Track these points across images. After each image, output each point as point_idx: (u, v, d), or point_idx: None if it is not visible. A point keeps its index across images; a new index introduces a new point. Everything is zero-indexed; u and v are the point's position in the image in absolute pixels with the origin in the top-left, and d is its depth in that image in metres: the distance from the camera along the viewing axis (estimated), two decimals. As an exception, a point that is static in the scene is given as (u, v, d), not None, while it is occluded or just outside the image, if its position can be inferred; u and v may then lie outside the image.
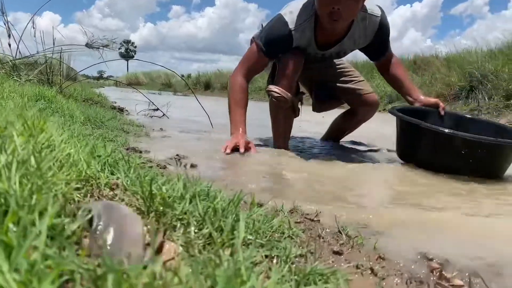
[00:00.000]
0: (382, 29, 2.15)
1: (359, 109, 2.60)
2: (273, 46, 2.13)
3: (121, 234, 0.40)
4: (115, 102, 5.28)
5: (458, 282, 0.65)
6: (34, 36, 3.71)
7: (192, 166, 1.53)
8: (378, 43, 2.23)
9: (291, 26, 2.08)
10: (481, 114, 6.73)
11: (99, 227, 0.40)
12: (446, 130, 1.79)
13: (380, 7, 2.16)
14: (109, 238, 0.38)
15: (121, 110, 4.28)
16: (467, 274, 0.69)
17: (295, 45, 2.12)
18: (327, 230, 0.87)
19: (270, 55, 2.17)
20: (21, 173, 0.46)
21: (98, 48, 3.81)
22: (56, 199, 0.42)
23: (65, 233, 0.37)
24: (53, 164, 0.51)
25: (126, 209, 0.48)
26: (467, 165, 1.76)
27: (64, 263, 0.29)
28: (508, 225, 1.10)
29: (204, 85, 18.07)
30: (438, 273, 0.66)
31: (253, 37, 2.28)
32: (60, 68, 3.96)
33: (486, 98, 7.06)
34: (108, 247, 0.40)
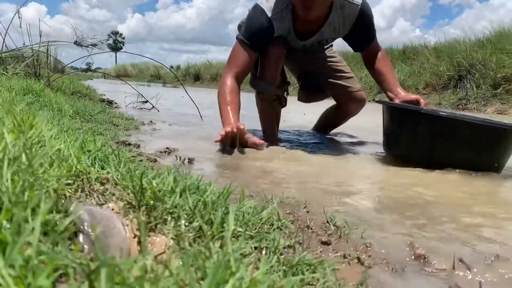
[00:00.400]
0: (362, 18, 2.09)
1: (346, 105, 2.59)
2: (256, 37, 2.05)
3: (105, 232, 0.41)
4: (104, 95, 5.25)
5: (441, 266, 0.67)
6: (20, 27, 3.67)
7: (190, 161, 1.53)
8: (359, 33, 2.16)
9: (269, 13, 2.02)
10: (469, 103, 6.81)
11: (85, 224, 0.41)
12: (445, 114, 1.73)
13: None
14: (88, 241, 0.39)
15: (110, 103, 4.26)
16: (451, 260, 0.71)
17: (277, 34, 2.06)
18: (315, 221, 0.88)
19: (256, 48, 2.08)
20: (13, 170, 0.46)
21: (87, 46, 3.80)
22: (49, 196, 0.43)
23: (58, 228, 0.38)
24: (44, 160, 0.52)
25: (106, 210, 0.49)
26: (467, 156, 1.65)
27: (58, 258, 0.30)
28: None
29: (194, 76, 18.00)
30: (422, 260, 0.68)
31: (236, 36, 2.20)
32: (47, 61, 3.92)
33: (474, 87, 7.13)
34: (95, 244, 0.41)
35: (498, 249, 0.81)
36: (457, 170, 1.64)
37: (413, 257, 0.72)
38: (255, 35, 2.04)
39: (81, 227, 0.42)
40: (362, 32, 2.17)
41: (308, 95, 2.70)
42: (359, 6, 2.06)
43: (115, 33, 62.52)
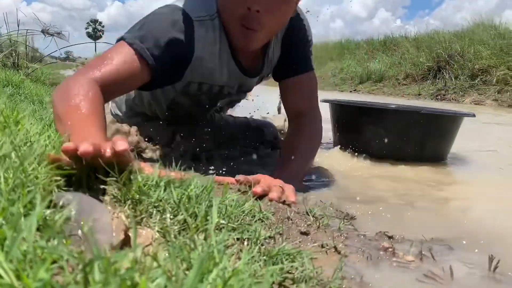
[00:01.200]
0: (290, 35, 1.37)
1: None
2: (162, 43, 1.12)
3: (92, 224, 0.44)
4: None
5: (409, 258, 0.72)
6: (-3, 17, 3.62)
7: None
8: (286, 57, 1.41)
9: (192, 14, 1.18)
10: (448, 94, 6.95)
11: (72, 217, 0.44)
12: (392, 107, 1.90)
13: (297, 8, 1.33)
14: (79, 230, 0.42)
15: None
16: (419, 250, 0.76)
17: (197, 48, 1.20)
18: (295, 212, 0.92)
19: (160, 66, 1.12)
20: (4, 168, 0.48)
21: (52, 35, 3.82)
22: (42, 193, 0.45)
23: (53, 224, 0.40)
24: (34, 158, 0.54)
25: (95, 200, 0.52)
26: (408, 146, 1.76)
27: (56, 252, 0.33)
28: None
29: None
30: (391, 252, 0.73)
31: (120, 38, 1.15)
32: (26, 51, 3.87)
33: (453, 78, 7.28)
34: (82, 236, 0.43)
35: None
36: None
37: (383, 248, 0.76)
38: (159, 38, 1.13)
39: (72, 218, 0.44)
40: (287, 56, 1.41)
41: None
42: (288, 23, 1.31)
43: (95, 21, 61.48)
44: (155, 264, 0.42)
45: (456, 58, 7.46)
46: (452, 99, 6.74)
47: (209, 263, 0.44)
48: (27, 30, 3.75)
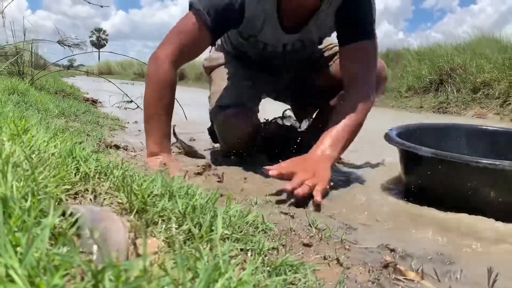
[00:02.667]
0: (348, 4, 1.41)
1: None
2: (221, 15, 1.37)
3: (106, 235, 0.45)
4: (87, 93, 5.23)
5: (411, 274, 0.72)
6: (4, 26, 3.65)
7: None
8: (343, 24, 1.46)
9: None
10: (450, 107, 6.96)
11: (86, 228, 0.45)
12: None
13: None
14: (94, 240, 0.43)
15: (94, 102, 4.25)
16: (421, 266, 0.76)
17: (248, 15, 1.41)
18: (298, 223, 0.93)
19: (216, 32, 1.42)
20: (16, 177, 0.49)
21: (70, 46, 3.82)
22: (53, 202, 0.46)
23: (64, 232, 0.41)
24: (44, 168, 0.55)
25: (104, 209, 0.53)
26: None
27: (69, 260, 0.34)
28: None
29: (178, 75, 17.87)
30: (392, 267, 0.73)
31: (190, 3, 1.42)
32: (31, 59, 3.90)
33: (455, 91, 7.30)
34: (95, 246, 0.44)
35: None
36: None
37: (384, 263, 0.76)
38: (220, 12, 1.37)
39: (83, 227, 0.45)
40: (347, 24, 1.45)
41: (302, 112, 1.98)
42: None
43: (99, 30, 61.90)
44: (162, 272, 0.43)
45: (458, 71, 7.48)
46: (454, 112, 6.74)
47: (215, 273, 0.45)
48: (33, 39, 3.79)
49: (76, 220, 0.48)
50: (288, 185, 1.13)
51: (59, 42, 3.83)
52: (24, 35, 3.73)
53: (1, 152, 0.52)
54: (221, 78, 1.74)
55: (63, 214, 0.53)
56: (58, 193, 0.55)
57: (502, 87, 6.36)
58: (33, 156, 0.66)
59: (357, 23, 1.42)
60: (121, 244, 0.46)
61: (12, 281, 0.33)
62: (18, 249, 0.37)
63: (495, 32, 8.04)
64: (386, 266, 0.74)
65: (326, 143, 1.32)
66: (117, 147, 1.70)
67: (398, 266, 0.73)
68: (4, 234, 0.34)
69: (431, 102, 7.51)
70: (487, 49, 7.36)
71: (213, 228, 0.64)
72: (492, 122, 5.44)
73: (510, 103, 6.14)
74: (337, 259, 0.75)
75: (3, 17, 3.57)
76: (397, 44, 10.94)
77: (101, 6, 3.75)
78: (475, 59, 7.34)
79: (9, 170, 0.49)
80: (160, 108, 1.42)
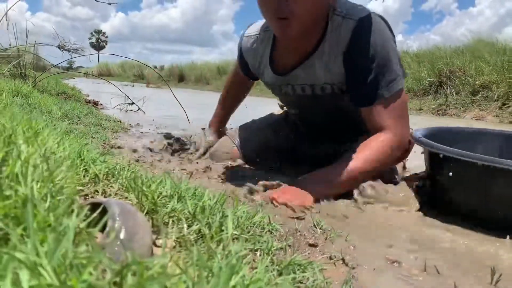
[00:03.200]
0: (355, 44, 1.23)
1: None
2: (239, 57, 1.64)
3: (132, 234, 0.46)
4: (88, 96, 5.25)
5: (414, 271, 0.74)
6: (7, 29, 3.68)
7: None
8: (350, 72, 1.27)
9: (246, 31, 1.55)
10: (449, 109, 6.99)
11: (116, 226, 0.46)
12: None
13: (370, 12, 1.25)
14: (122, 235, 0.45)
15: (95, 104, 4.27)
16: (423, 263, 0.78)
17: (247, 58, 1.56)
18: (303, 224, 0.94)
19: (243, 69, 1.68)
20: (36, 179, 0.51)
21: (69, 51, 3.86)
22: (75, 203, 0.48)
23: (87, 231, 0.43)
24: (61, 169, 0.57)
25: (137, 212, 0.54)
26: None
27: (95, 258, 0.35)
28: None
29: (178, 77, 17.98)
30: (397, 265, 0.75)
31: None
32: (33, 61, 3.92)
33: (454, 93, 7.33)
34: (122, 244, 0.46)
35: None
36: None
37: (388, 261, 0.78)
38: (239, 55, 1.64)
39: (114, 219, 0.47)
40: (354, 72, 1.26)
41: None
42: (355, 22, 1.23)
43: (98, 31, 61.88)
44: (178, 270, 0.45)
45: (458, 74, 7.51)
46: (454, 114, 6.77)
47: (229, 271, 0.47)
48: (35, 42, 3.81)
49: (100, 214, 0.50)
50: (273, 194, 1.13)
51: (59, 46, 3.86)
52: (27, 37, 3.75)
53: (20, 154, 0.54)
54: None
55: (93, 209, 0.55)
56: (73, 194, 0.57)
57: (501, 90, 6.40)
58: (52, 158, 0.68)
59: (366, 75, 1.23)
60: (146, 240, 0.47)
61: (40, 275, 0.35)
62: (45, 247, 0.38)
63: (494, 34, 8.06)
64: (391, 263, 0.75)
65: (321, 178, 1.22)
66: (120, 148, 1.71)
67: (402, 263, 0.75)
68: (34, 233, 0.36)
69: (431, 104, 7.54)
70: (486, 51, 7.39)
71: (223, 228, 0.65)
72: (491, 124, 5.47)
73: (509, 106, 6.17)
74: (343, 259, 0.77)
75: (6, 20, 3.59)
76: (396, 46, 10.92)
77: (109, 4, 3.78)
78: (474, 61, 7.37)
79: (29, 172, 0.51)
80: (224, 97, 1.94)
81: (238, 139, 1.72)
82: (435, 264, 0.79)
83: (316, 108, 1.49)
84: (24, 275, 0.32)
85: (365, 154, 1.22)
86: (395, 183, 1.28)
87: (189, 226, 0.69)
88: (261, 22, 1.48)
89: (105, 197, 0.79)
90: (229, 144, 1.72)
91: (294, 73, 1.38)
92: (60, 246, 0.35)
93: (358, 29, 1.22)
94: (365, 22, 1.22)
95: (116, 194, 0.80)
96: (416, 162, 1.57)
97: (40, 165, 0.56)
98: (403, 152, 1.32)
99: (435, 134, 1.37)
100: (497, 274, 0.76)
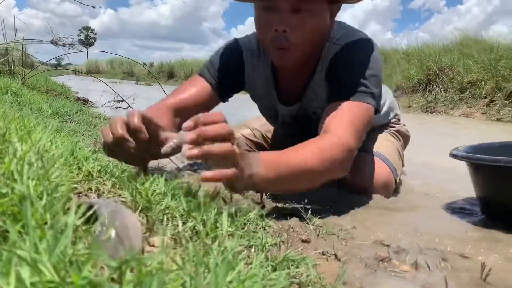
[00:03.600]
0: (336, 61, 1.24)
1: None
2: (218, 65, 1.37)
3: (124, 232, 0.47)
4: (77, 93, 5.21)
5: (405, 268, 0.76)
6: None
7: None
8: (329, 87, 1.25)
9: (243, 44, 1.40)
10: (438, 107, 7.05)
11: (105, 224, 0.47)
12: None
13: (362, 38, 1.27)
14: (113, 234, 0.45)
15: (85, 101, 4.24)
16: (414, 260, 0.80)
17: (248, 74, 1.40)
18: (295, 220, 0.95)
19: (211, 78, 1.36)
20: (31, 177, 0.51)
21: (64, 46, 3.81)
22: (72, 200, 0.48)
23: (83, 228, 0.43)
24: (56, 167, 0.57)
25: (127, 210, 0.55)
26: None
27: (95, 255, 0.36)
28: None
29: (168, 74, 17.92)
30: (388, 261, 0.76)
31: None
32: (22, 58, 3.88)
33: (442, 91, 7.39)
34: (114, 242, 0.47)
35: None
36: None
37: (379, 258, 0.79)
38: (217, 62, 1.38)
39: (103, 220, 0.47)
40: (332, 83, 1.25)
41: None
42: (340, 47, 1.25)
43: (87, 28, 61.40)
44: (174, 266, 0.45)
45: (446, 71, 7.58)
46: (442, 111, 6.83)
47: (225, 267, 0.47)
48: (24, 38, 3.77)
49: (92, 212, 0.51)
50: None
51: (52, 42, 3.82)
52: (15, 34, 3.72)
53: (15, 152, 0.54)
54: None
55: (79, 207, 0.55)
56: (67, 191, 0.57)
57: (488, 87, 6.47)
58: (47, 157, 0.68)
59: (340, 81, 1.21)
60: (137, 239, 0.48)
61: (40, 272, 0.35)
62: (44, 244, 0.39)
63: (481, 32, 8.16)
64: (381, 260, 0.77)
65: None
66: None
67: (392, 259, 0.76)
68: (33, 231, 0.36)
69: (419, 102, 7.60)
70: (474, 49, 7.47)
71: (218, 225, 0.66)
72: (479, 121, 5.53)
73: (496, 103, 6.24)
74: (335, 255, 0.78)
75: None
76: (385, 44, 10.99)
77: (93, 7, 3.75)
78: (462, 59, 7.44)
79: (24, 169, 0.51)
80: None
81: None
82: (426, 260, 0.81)
83: (307, 127, 1.39)
84: (25, 272, 0.33)
85: (306, 154, 1.01)
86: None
87: (184, 223, 0.70)
88: (253, 36, 1.39)
89: (98, 195, 0.79)
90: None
91: (306, 102, 1.36)
92: (59, 243, 0.36)
93: (340, 51, 1.23)
94: (350, 46, 1.23)
95: (109, 191, 0.80)
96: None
97: (35, 163, 0.56)
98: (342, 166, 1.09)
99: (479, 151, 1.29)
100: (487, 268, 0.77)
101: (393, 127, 1.66)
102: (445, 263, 0.82)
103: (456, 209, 1.30)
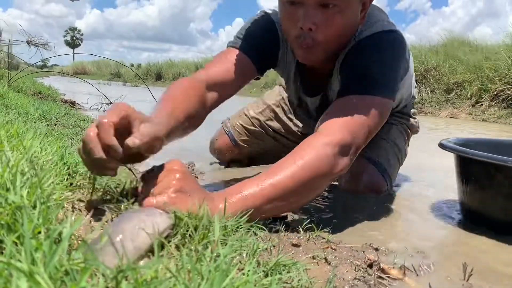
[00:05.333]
0: (353, 53, 1.17)
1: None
2: (252, 37, 1.27)
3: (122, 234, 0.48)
4: (64, 95, 5.17)
5: (394, 272, 0.77)
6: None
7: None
8: (344, 77, 1.19)
9: (277, 21, 1.28)
10: (425, 107, 7.13)
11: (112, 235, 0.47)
12: None
13: (385, 30, 1.17)
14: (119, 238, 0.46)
15: (72, 104, 4.20)
16: (403, 263, 0.81)
17: (282, 52, 1.33)
18: (285, 224, 0.96)
19: (247, 50, 1.24)
20: (25, 186, 0.52)
21: (37, 46, 3.82)
22: (78, 214, 0.49)
23: (87, 238, 0.44)
24: (49, 175, 0.57)
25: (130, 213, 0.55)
26: None
27: (93, 264, 0.36)
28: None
29: (155, 75, 17.83)
30: (376, 266, 0.78)
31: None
32: (7, 60, 3.84)
33: (429, 92, 7.47)
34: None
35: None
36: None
37: (367, 262, 0.80)
38: (251, 34, 1.28)
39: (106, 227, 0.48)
40: (346, 77, 1.18)
41: None
42: (359, 39, 1.17)
43: (73, 29, 60.82)
44: (168, 274, 0.46)
45: (432, 73, 7.67)
46: (429, 112, 6.91)
47: (218, 274, 0.48)
48: (9, 40, 3.73)
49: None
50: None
51: (27, 42, 3.82)
52: (0, 35, 3.67)
53: (8, 161, 0.54)
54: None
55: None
56: (61, 200, 0.57)
57: (474, 88, 6.56)
58: (40, 165, 0.68)
59: (353, 74, 1.13)
60: (141, 246, 0.49)
61: (37, 283, 0.36)
62: (39, 254, 0.39)
63: (466, 34, 8.27)
64: (370, 264, 0.78)
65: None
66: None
67: (381, 263, 0.78)
68: (29, 242, 0.37)
69: (406, 103, 7.66)
70: (459, 51, 7.57)
71: (210, 229, 0.67)
72: (465, 122, 5.61)
73: (481, 104, 6.33)
74: (325, 258, 0.79)
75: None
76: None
77: (72, 0, 3.74)
78: (448, 60, 7.54)
79: (17, 179, 0.51)
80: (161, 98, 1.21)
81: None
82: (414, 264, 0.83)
83: None
84: (22, 284, 0.33)
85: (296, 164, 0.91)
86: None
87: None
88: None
89: (89, 201, 0.79)
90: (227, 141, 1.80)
91: (329, 90, 1.34)
92: (55, 254, 0.36)
93: (356, 44, 1.16)
94: (363, 40, 1.16)
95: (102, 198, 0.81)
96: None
97: (28, 172, 0.56)
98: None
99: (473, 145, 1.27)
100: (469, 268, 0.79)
101: (408, 120, 1.65)
102: (433, 267, 0.84)
103: (445, 212, 1.32)
